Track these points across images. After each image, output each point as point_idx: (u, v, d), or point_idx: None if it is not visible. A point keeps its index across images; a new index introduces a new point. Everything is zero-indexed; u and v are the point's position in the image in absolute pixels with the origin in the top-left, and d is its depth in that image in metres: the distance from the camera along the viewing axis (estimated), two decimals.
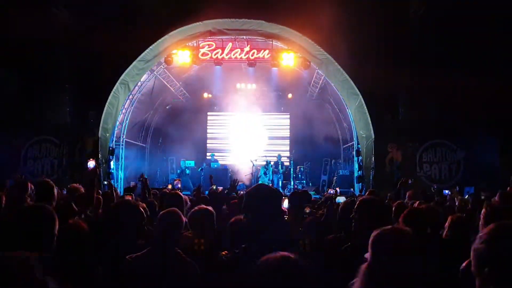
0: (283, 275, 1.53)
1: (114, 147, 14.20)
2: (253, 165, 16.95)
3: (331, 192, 8.22)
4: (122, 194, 7.99)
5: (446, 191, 6.90)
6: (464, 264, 2.52)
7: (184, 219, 3.32)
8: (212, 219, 3.85)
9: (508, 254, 1.56)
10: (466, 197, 7.68)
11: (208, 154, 19.26)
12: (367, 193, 8.77)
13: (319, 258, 2.94)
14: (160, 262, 3.02)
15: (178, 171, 17.30)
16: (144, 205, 4.37)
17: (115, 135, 14.37)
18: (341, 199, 4.07)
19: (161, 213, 3.32)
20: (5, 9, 11.80)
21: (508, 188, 5.08)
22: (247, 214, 2.50)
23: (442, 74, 11.98)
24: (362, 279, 1.84)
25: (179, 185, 7.73)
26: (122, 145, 15.30)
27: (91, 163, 4.56)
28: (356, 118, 13.70)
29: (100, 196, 4.89)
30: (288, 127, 19.88)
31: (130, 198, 4.80)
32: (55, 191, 4.11)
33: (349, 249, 2.90)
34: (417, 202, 5.34)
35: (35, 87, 13.80)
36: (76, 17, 13.37)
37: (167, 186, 10.02)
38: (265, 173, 16.71)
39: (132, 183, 11.38)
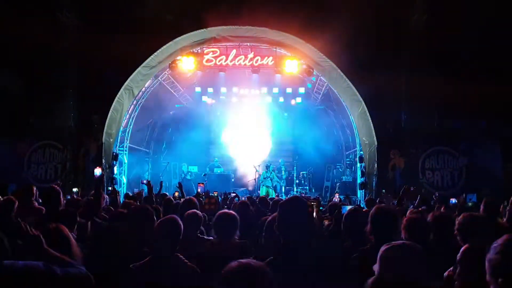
0: (248, 283, 1.64)
1: (117, 152, 14.25)
2: (256, 170, 16.98)
3: (336, 200, 8.23)
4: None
5: (453, 200, 6.82)
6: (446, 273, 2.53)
7: (182, 226, 3.36)
8: (236, 224, 3.86)
9: None
10: (470, 204, 7.68)
11: (211, 159, 19.30)
12: (366, 199, 8.79)
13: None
14: (163, 269, 3.06)
15: (182, 176, 17.33)
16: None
17: (118, 140, 14.42)
18: (347, 208, 4.10)
19: (158, 221, 3.37)
20: (11, 14, 11.90)
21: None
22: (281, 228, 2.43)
23: (444, 81, 12.03)
24: None
25: (199, 190, 7.65)
26: (126, 150, 15.35)
27: (98, 171, 4.61)
28: (359, 124, 13.74)
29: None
30: (292, 133, 19.90)
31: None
32: (61, 197, 4.14)
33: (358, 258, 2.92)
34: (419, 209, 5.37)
35: (39, 92, 13.88)
36: (81, 22, 13.47)
37: (174, 194, 10.00)
38: (267, 178, 16.70)
39: (136, 189, 11.43)
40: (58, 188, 4.24)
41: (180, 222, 3.33)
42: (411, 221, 3.34)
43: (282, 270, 2.11)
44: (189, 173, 17.45)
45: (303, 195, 14.62)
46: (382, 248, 1.90)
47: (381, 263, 1.86)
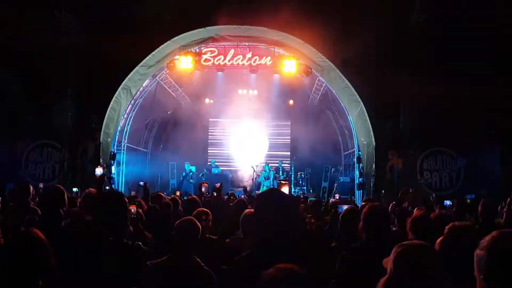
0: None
1: (115, 152, 14.21)
2: (254, 171, 16.96)
3: (333, 200, 8.22)
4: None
5: (448, 202, 6.78)
6: None
7: (200, 227, 3.34)
8: None
9: (504, 263, 1.58)
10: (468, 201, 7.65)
11: (209, 159, 19.28)
12: (364, 199, 8.80)
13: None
14: (179, 270, 3.05)
15: (183, 174, 17.24)
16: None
17: (116, 140, 14.39)
18: (344, 207, 4.09)
19: (178, 222, 3.34)
20: (9, 13, 11.87)
21: (508, 199, 5.05)
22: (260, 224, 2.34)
23: (443, 82, 12.02)
24: None
25: (203, 189, 7.73)
26: (124, 150, 15.32)
27: (99, 170, 4.57)
28: (357, 125, 13.73)
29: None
30: (289, 133, 19.88)
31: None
32: (66, 197, 4.05)
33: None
34: (416, 209, 5.36)
35: (37, 91, 13.84)
36: (79, 22, 13.45)
37: (175, 193, 9.99)
38: (265, 178, 16.69)
39: (133, 193, 11.41)
40: (62, 188, 4.15)
41: (198, 224, 3.32)
42: (415, 221, 3.29)
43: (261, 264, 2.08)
44: (191, 173, 17.34)
45: (301, 195, 14.58)
46: (395, 249, 1.87)
47: (395, 263, 1.84)
